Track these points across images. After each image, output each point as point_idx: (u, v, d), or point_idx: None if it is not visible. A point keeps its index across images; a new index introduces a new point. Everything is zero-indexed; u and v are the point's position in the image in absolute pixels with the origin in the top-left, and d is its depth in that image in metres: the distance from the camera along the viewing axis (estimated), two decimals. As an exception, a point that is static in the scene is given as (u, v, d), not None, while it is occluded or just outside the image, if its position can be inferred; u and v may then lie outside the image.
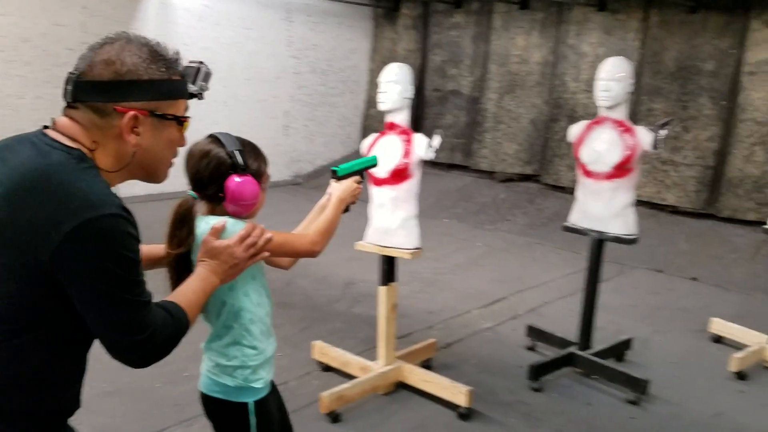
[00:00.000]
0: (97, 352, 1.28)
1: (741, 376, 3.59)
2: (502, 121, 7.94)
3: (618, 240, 3.31)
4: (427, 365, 3.55)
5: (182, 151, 1.39)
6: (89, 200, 1.12)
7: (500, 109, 7.94)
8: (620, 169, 3.19)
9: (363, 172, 2.04)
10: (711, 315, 4.23)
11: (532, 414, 3.15)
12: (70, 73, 1.22)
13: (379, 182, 3.09)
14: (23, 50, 6.25)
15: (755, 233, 5.60)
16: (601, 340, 3.68)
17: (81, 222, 1.09)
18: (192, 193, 1.65)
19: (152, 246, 1.64)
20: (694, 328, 4.29)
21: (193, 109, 1.37)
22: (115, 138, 1.22)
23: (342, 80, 9.00)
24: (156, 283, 1.39)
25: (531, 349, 3.87)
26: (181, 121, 1.30)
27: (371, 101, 8.87)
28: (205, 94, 1.38)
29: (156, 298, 1.27)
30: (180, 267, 1.61)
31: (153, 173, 1.32)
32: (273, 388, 1.81)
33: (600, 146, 3.26)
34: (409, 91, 3.09)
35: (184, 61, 1.32)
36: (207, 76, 1.36)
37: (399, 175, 3.05)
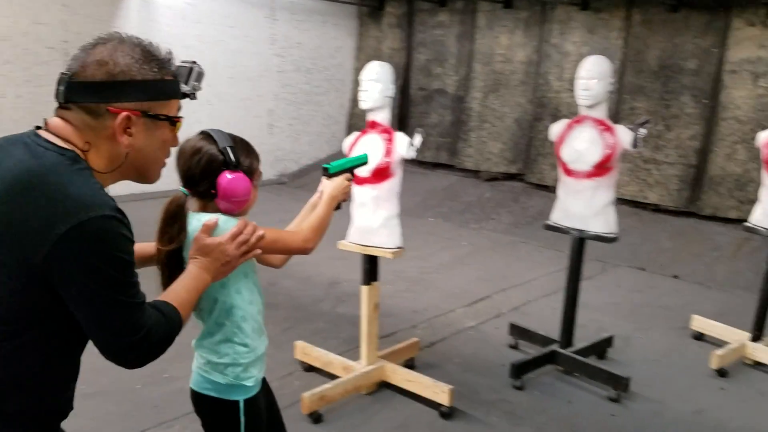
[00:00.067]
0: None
1: (722, 373, 3.62)
2: (487, 120, 7.96)
3: (598, 238, 3.32)
4: (410, 364, 3.55)
5: (173, 149, 1.39)
6: (83, 202, 1.12)
7: (485, 108, 7.96)
8: (600, 168, 3.21)
9: (354, 169, 2.05)
10: (692, 312, 4.26)
11: (513, 412, 3.16)
12: (62, 73, 1.21)
13: (360, 181, 3.07)
14: (3, 49, 6.18)
15: (737, 231, 5.64)
16: (583, 338, 3.70)
17: (75, 224, 1.09)
18: (183, 189, 1.65)
19: (143, 244, 1.63)
20: (676, 325, 4.32)
21: (177, 108, 1.36)
22: (107, 139, 1.22)
23: (327, 79, 8.99)
24: (149, 283, 1.38)
25: (514, 347, 3.88)
26: (173, 122, 1.30)
27: (357, 100, 8.84)
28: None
29: (148, 296, 1.27)
30: (171, 264, 1.61)
31: (146, 174, 1.32)
32: (264, 385, 1.82)
33: (580, 145, 3.27)
34: (390, 90, 3.08)
35: (176, 61, 1.32)
36: (200, 75, 1.35)
37: (380, 173, 3.04)
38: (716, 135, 6.32)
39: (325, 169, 1.96)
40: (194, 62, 1.34)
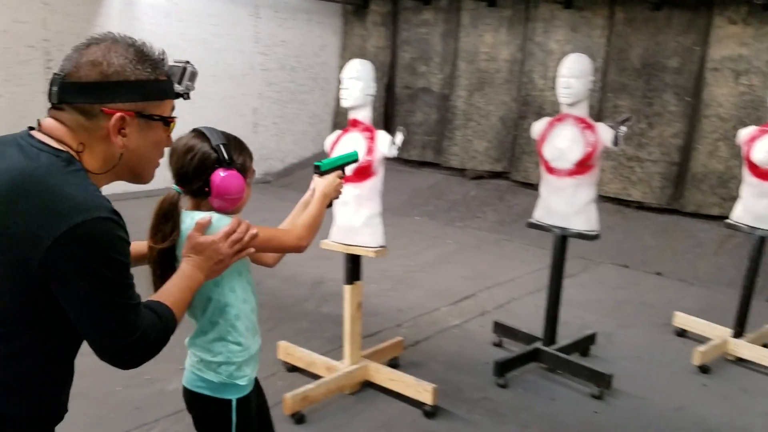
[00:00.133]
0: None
1: (704, 369, 3.64)
2: (472, 118, 7.97)
3: (580, 236, 3.33)
4: (394, 364, 3.54)
5: (166, 149, 1.39)
6: (79, 204, 1.12)
7: (470, 106, 7.97)
8: (582, 166, 3.21)
9: (345, 167, 2.05)
10: (675, 309, 4.29)
11: (496, 410, 3.16)
12: (55, 74, 1.21)
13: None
14: (-18, 47, 6.11)
15: (719, 228, 5.67)
16: (566, 335, 3.71)
17: (72, 226, 1.10)
18: (176, 187, 1.64)
19: (135, 243, 1.62)
20: (659, 322, 4.35)
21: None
22: (102, 139, 1.22)
23: (311, 77, 8.95)
24: (141, 282, 1.37)
25: (498, 345, 3.89)
26: (167, 122, 1.30)
27: (341, 98, 8.83)
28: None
29: (140, 295, 1.27)
30: (163, 262, 1.60)
31: (140, 174, 1.32)
32: (256, 385, 1.81)
33: (562, 143, 3.28)
34: (372, 88, 3.07)
35: (169, 61, 1.32)
36: (193, 75, 1.35)
37: (362, 172, 3.03)
38: (699, 132, 6.37)
39: (317, 167, 1.96)
40: (187, 62, 1.35)
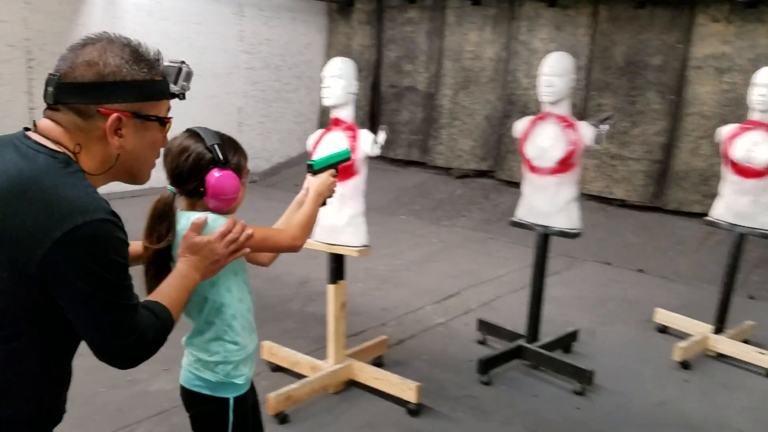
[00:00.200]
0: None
1: (685, 365, 3.68)
2: (458, 117, 7.99)
3: (562, 234, 3.36)
4: (378, 362, 3.55)
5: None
6: (78, 206, 1.12)
7: (455, 105, 7.99)
8: (563, 164, 3.24)
9: (338, 165, 2.05)
10: (656, 305, 4.33)
11: (480, 407, 3.18)
12: (51, 74, 1.20)
13: (325, 179, 3.06)
14: (-39, 46, 6.03)
15: (700, 225, 5.70)
16: (550, 332, 3.73)
17: (71, 228, 1.09)
18: (171, 188, 1.64)
19: (132, 243, 1.62)
20: (640, 318, 4.39)
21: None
22: (98, 140, 1.21)
23: (297, 76, 8.93)
24: (137, 282, 1.37)
25: (482, 343, 3.91)
26: (163, 122, 1.30)
27: (327, 97, 8.81)
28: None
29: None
30: (158, 263, 1.60)
31: (136, 175, 1.32)
32: (251, 385, 1.82)
33: (544, 142, 3.30)
34: (353, 86, 3.07)
35: (165, 61, 1.32)
36: (188, 75, 1.35)
37: (345, 171, 3.01)
38: (681, 130, 6.43)
39: (310, 166, 1.97)
40: (182, 62, 1.35)
